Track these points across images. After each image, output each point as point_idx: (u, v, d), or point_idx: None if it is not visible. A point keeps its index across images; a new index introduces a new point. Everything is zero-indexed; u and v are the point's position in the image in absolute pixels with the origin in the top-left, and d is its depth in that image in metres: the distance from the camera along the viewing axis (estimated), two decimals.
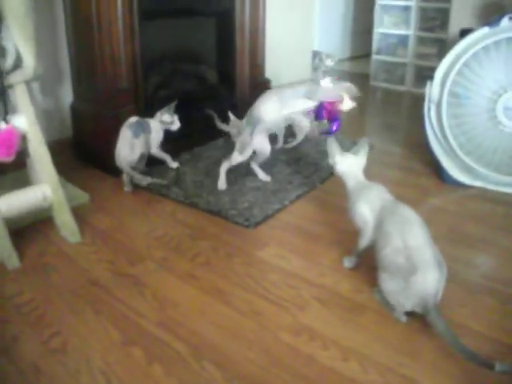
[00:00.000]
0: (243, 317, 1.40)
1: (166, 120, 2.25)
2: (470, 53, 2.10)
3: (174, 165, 2.39)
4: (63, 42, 2.44)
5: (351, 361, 1.24)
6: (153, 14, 2.43)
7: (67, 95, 2.51)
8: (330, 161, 1.61)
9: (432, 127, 2.30)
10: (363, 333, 1.34)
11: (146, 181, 2.13)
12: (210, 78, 3.07)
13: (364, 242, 1.50)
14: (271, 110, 2.10)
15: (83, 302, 1.46)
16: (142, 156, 2.17)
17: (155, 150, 2.28)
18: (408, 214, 1.39)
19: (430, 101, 2.27)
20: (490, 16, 2.83)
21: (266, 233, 1.86)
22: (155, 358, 1.24)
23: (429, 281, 1.28)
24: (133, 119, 2.16)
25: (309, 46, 4.38)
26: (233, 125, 2.40)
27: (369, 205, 1.48)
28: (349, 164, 1.58)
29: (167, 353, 1.26)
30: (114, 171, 2.18)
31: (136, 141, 2.11)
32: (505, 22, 2.08)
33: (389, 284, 1.37)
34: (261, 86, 3.00)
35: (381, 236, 1.40)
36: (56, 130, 2.45)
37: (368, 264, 1.57)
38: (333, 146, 1.59)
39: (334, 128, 2.88)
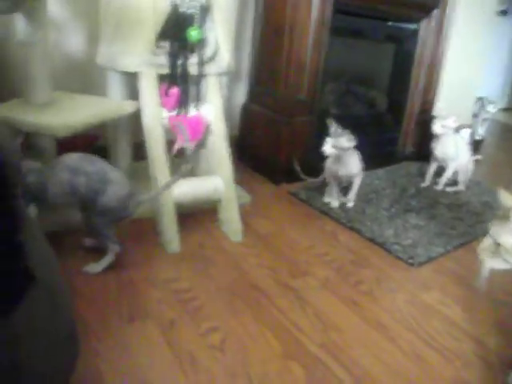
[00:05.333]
0: (405, 357, 1.29)
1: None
2: None
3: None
4: (246, 43, 2.48)
5: None
6: (340, 31, 2.40)
7: (240, 95, 2.54)
8: None
9: None
10: None
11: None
12: (379, 105, 2.98)
13: None
14: None
15: (242, 303, 1.42)
16: None
17: None
18: None
19: None
20: None
21: (429, 275, 1.73)
22: (317, 380, 1.16)
23: None
24: None
25: (473, 92, 4.17)
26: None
27: None
28: None
29: (329, 378, 1.18)
30: (276, 178, 2.15)
31: None
32: None
33: None
34: (426, 123, 2.87)
35: None
36: None
37: None
38: None
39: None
